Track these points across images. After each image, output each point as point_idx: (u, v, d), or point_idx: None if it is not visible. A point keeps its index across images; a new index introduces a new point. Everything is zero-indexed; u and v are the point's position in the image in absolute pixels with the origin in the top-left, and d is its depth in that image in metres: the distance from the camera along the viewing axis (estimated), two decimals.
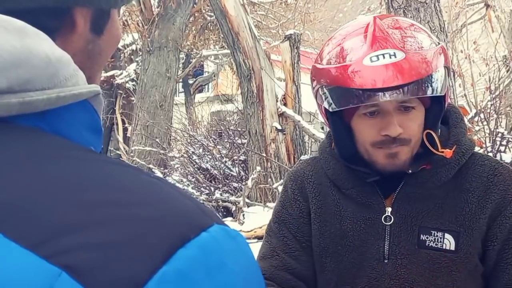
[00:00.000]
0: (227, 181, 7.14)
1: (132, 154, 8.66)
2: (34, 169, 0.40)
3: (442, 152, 1.16)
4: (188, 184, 7.37)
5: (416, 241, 1.16)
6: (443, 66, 1.13)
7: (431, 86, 1.10)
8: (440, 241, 1.15)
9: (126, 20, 10.33)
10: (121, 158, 8.22)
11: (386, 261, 1.17)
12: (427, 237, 1.16)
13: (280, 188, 4.92)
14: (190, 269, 0.37)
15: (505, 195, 1.16)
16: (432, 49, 1.13)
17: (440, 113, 1.18)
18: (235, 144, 7.57)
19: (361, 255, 1.19)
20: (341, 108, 1.14)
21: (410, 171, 1.18)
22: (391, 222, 1.18)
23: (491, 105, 4.63)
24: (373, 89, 1.08)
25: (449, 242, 1.15)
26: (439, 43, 1.18)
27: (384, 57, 1.09)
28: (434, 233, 1.15)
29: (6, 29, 0.43)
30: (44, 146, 0.43)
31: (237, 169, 7.23)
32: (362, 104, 1.12)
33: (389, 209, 1.19)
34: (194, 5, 10.60)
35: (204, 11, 11.23)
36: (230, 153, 7.51)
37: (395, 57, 1.09)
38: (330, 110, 1.16)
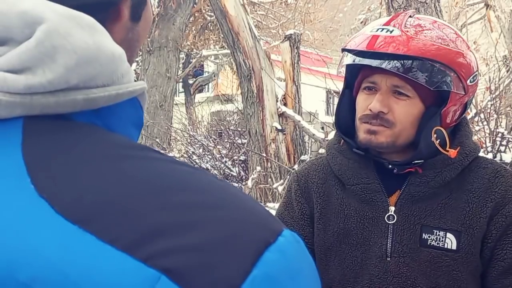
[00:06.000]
0: (227, 181, 7.12)
1: None
2: (111, 169, 0.39)
3: (448, 151, 1.16)
4: None
5: (418, 239, 1.17)
6: (447, 66, 1.14)
7: (413, 70, 1.14)
8: (442, 240, 1.16)
9: None
10: None
11: (388, 259, 1.18)
12: (429, 236, 1.17)
13: (280, 188, 4.92)
14: (277, 273, 0.37)
15: (505, 195, 1.17)
16: (443, 47, 1.15)
17: (435, 114, 1.17)
18: (235, 144, 7.56)
19: (364, 253, 1.20)
20: (339, 68, 1.26)
21: (395, 171, 1.20)
22: (394, 221, 1.19)
23: (491, 105, 4.62)
24: (357, 51, 1.18)
25: (450, 242, 1.16)
26: (462, 50, 1.18)
27: (382, 30, 1.16)
28: (436, 232, 1.16)
29: (79, 26, 0.43)
30: (109, 144, 0.42)
31: (237, 169, 7.23)
32: (344, 64, 1.23)
33: (392, 208, 1.19)
34: (194, 5, 10.59)
35: (204, 11, 11.23)
36: (230, 153, 7.51)
37: (391, 32, 1.15)
38: (336, 73, 1.29)
